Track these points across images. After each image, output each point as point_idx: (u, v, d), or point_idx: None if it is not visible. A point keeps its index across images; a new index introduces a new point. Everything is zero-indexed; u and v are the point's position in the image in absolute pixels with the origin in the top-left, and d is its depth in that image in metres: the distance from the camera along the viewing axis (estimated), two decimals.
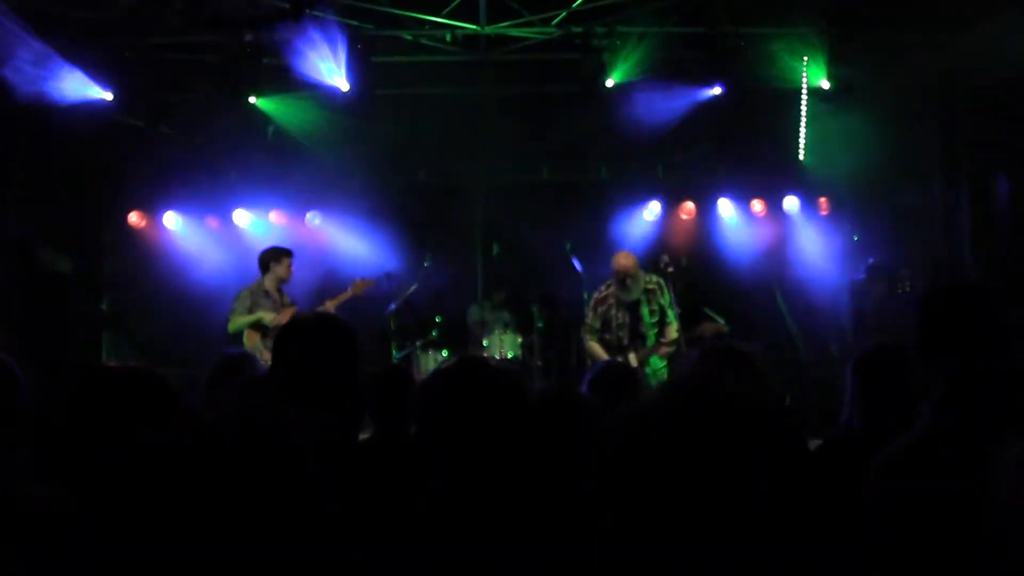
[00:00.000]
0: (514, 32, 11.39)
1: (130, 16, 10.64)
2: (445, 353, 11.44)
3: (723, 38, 10.98)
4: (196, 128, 12.12)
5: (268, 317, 9.69)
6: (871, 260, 12.22)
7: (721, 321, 9.98)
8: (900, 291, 11.26)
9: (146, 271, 13.68)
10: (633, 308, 9.57)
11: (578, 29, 11.11)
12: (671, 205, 13.94)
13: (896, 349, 4.29)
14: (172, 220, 13.66)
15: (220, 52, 10.82)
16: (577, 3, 10.96)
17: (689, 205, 13.90)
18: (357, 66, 10.99)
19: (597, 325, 9.69)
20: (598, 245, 13.29)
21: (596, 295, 9.79)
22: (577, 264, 11.55)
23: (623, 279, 9.48)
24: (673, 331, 9.48)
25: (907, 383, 4.11)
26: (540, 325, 11.80)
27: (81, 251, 12.81)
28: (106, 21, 10.71)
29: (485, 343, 11.45)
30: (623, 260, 9.57)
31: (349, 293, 10.52)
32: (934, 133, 11.95)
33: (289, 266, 10.13)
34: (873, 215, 12.75)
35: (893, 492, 2.65)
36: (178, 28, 10.43)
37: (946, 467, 2.56)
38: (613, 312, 9.60)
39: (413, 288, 11.59)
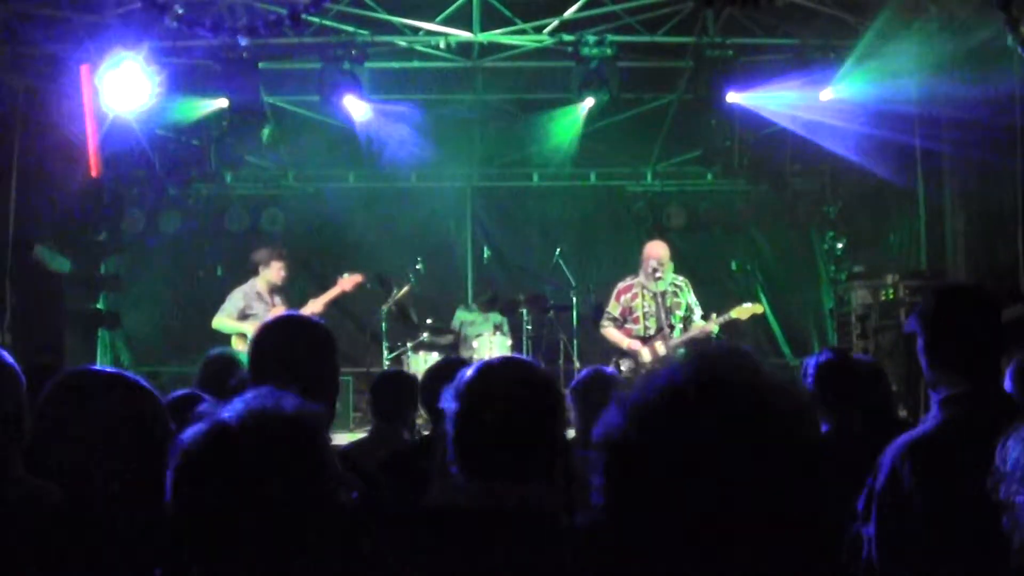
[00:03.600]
0: (507, 40, 11.52)
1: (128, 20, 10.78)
2: (436, 355, 11.56)
3: (711, 48, 11.14)
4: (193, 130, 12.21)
5: (252, 333, 9.63)
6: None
7: (749, 304, 9.79)
8: (884, 298, 11.40)
9: (142, 271, 13.80)
10: (660, 299, 9.44)
11: (570, 38, 11.25)
12: (659, 211, 14.08)
13: (842, 354, 4.47)
14: (168, 221, 13.79)
15: (216, 57, 10.95)
16: (569, 12, 11.11)
17: (675, 210, 14.05)
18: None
19: (616, 313, 9.58)
20: (587, 250, 13.48)
21: (620, 285, 9.67)
22: (565, 268, 11.74)
23: (655, 268, 9.37)
24: (700, 324, 9.39)
25: (846, 387, 4.29)
26: (529, 328, 11.93)
27: (78, 251, 12.87)
28: (106, 24, 10.83)
29: (475, 345, 11.57)
30: (657, 249, 9.49)
31: (337, 290, 10.55)
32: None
33: (280, 270, 10.15)
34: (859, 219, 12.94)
35: (900, 483, 2.71)
36: (176, 33, 10.55)
37: (954, 460, 2.63)
38: (639, 301, 9.49)
39: (404, 291, 11.69)
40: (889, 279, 11.36)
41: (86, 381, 2.93)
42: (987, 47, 10.32)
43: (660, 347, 9.31)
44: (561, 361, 11.71)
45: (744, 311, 9.57)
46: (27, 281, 11.64)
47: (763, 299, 14.02)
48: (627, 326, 9.51)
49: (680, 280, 9.57)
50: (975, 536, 2.46)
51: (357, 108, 11.86)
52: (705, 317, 9.45)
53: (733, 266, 14.18)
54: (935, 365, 2.94)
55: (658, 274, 9.34)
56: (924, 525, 2.63)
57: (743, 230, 14.23)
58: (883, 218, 12.57)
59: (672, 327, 9.40)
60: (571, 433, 5.56)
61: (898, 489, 2.73)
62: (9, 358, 2.80)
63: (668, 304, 9.42)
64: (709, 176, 14.10)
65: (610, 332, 9.60)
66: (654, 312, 9.44)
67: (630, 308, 9.50)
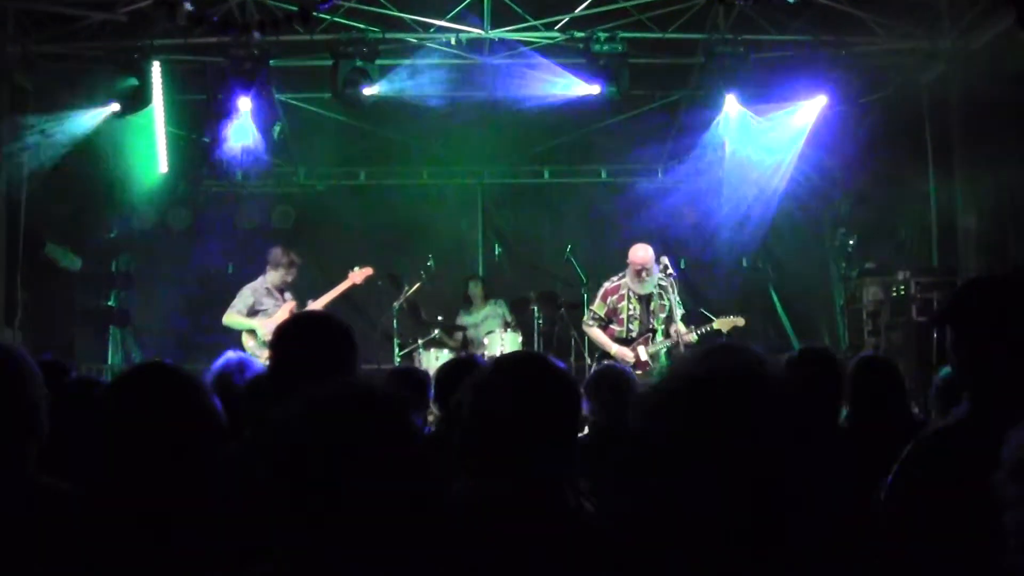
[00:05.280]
0: (518, 36, 11.50)
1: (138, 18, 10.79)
2: (447, 352, 11.57)
3: (722, 44, 11.10)
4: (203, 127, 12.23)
5: (262, 330, 9.78)
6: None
7: (731, 317, 9.86)
8: (895, 294, 11.37)
9: (152, 269, 13.81)
10: (645, 301, 9.59)
11: (581, 34, 11.23)
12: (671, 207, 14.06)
13: (824, 351, 4.47)
14: (179, 218, 13.82)
15: (227, 54, 10.95)
16: (580, 9, 11.08)
17: (687, 209, 14.03)
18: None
19: (602, 314, 9.70)
20: (598, 247, 13.46)
21: (607, 285, 9.78)
22: (576, 265, 11.75)
23: (639, 271, 9.46)
24: (682, 327, 9.44)
25: (832, 384, 4.30)
26: (540, 324, 11.94)
27: (88, 248, 12.90)
28: (116, 23, 10.85)
29: (486, 342, 11.58)
30: (641, 253, 9.54)
31: (348, 283, 10.64)
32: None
33: (286, 275, 10.29)
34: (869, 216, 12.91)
35: (935, 471, 2.69)
36: (185, 30, 10.56)
37: (979, 456, 2.61)
38: (624, 303, 9.60)
39: (416, 287, 11.70)
40: (900, 275, 11.34)
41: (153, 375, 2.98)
42: (997, 43, 10.32)
43: (642, 351, 9.49)
44: (572, 358, 11.71)
45: (726, 323, 9.71)
46: (38, 279, 11.68)
47: (774, 295, 14.02)
48: (611, 327, 9.66)
49: (665, 280, 9.62)
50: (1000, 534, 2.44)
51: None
52: (686, 321, 9.50)
53: (744, 263, 14.15)
54: (964, 358, 2.91)
55: (644, 276, 9.46)
56: (952, 518, 2.61)
57: (754, 227, 14.16)
58: (894, 214, 12.54)
59: (655, 331, 9.58)
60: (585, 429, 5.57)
61: (924, 483, 2.71)
62: (29, 358, 2.81)
63: (652, 307, 9.58)
64: (720, 172, 14.04)
65: (594, 332, 9.79)
66: (639, 315, 9.62)
67: (615, 309, 9.68)
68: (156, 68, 11.27)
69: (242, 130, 11.86)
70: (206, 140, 12.27)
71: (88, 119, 11.35)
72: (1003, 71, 9.98)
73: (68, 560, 2.59)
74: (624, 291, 9.62)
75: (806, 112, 11.84)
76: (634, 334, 9.59)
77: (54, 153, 11.27)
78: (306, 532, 1.89)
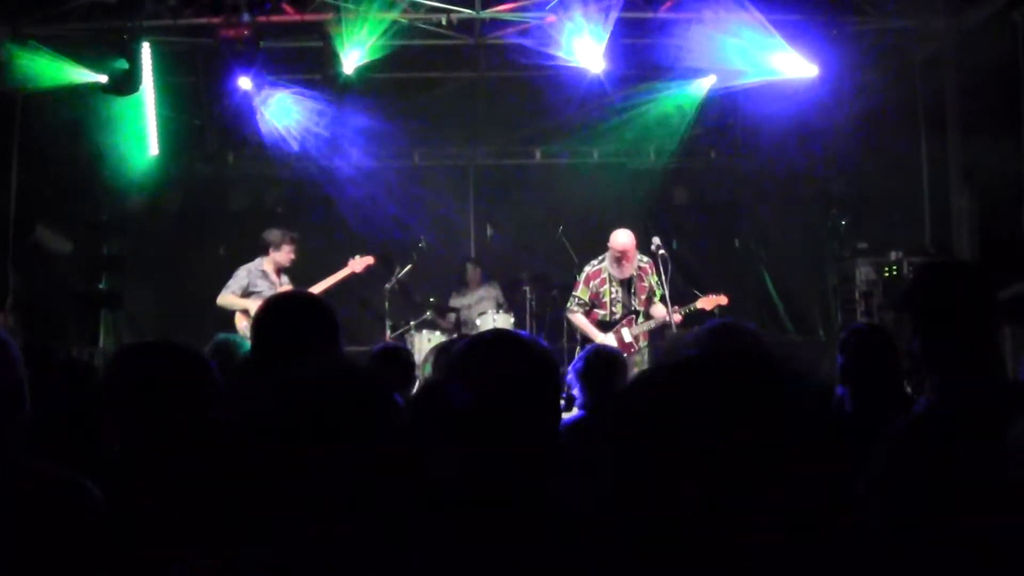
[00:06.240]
0: (509, 16, 11.45)
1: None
2: (439, 334, 11.56)
3: (708, 23, 11.07)
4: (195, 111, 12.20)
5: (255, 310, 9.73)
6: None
7: (714, 296, 9.92)
8: (888, 274, 11.37)
9: (144, 252, 13.75)
10: (627, 285, 9.67)
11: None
12: (663, 189, 14.04)
13: (877, 328, 4.40)
14: (170, 200, 13.75)
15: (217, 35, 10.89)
16: None
17: (679, 188, 14.01)
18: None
19: (585, 299, 9.78)
20: (590, 228, 13.44)
21: (589, 269, 9.84)
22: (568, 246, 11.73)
23: (619, 257, 9.53)
24: (661, 309, 9.55)
25: (890, 361, 4.22)
26: (533, 305, 11.92)
27: (79, 232, 12.84)
28: (104, 4, 10.79)
29: (479, 323, 11.56)
30: (622, 238, 9.58)
31: (347, 271, 10.60)
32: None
33: (289, 252, 10.20)
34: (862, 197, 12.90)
35: (904, 466, 2.68)
36: (174, 11, 10.51)
37: (956, 439, 2.60)
38: (607, 287, 9.68)
39: (408, 269, 11.68)
40: (893, 255, 11.35)
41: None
42: (991, 22, 10.30)
43: (626, 334, 9.55)
44: (564, 339, 11.69)
45: (709, 302, 9.81)
46: (29, 262, 11.63)
47: (766, 277, 14.01)
48: (595, 311, 9.72)
49: (645, 262, 9.73)
50: (969, 521, 2.44)
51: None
52: (665, 302, 9.53)
53: (736, 244, 14.13)
54: (927, 345, 2.91)
55: (624, 261, 9.56)
56: (920, 511, 2.60)
57: (746, 207, 14.16)
58: (887, 194, 12.52)
59: (638, 313, 9.72)
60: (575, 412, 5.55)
61: (894, 474, 2.70)
62: (6, 335, 2.77)
63: (633, 289, 9.67)
64: (712, 153, 14.02)
65: (578, 318, 9.88)
66: (621, 298, 9.72)
67: (598, 293, 9.76)
68: (146, 49, 11.21)
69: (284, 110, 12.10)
70: (196, 122, 12.22)
71: (73, 75, 11.24)
72: (997, 51, 9.97)
73: (53, 541, 2.54)
74: (604, 275, 9.71)
75: (791, 62, 11.46)
76: (617, 316, 9.67)
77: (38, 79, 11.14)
78: (289, 515, 1.88)
